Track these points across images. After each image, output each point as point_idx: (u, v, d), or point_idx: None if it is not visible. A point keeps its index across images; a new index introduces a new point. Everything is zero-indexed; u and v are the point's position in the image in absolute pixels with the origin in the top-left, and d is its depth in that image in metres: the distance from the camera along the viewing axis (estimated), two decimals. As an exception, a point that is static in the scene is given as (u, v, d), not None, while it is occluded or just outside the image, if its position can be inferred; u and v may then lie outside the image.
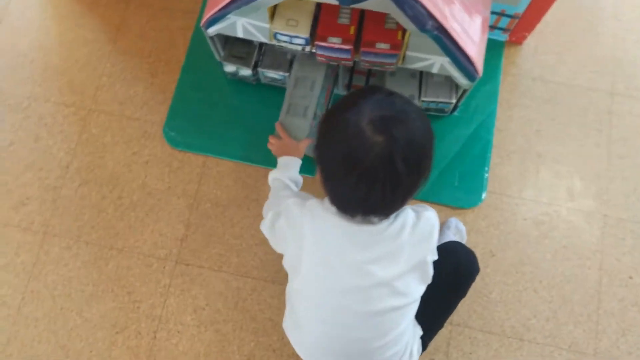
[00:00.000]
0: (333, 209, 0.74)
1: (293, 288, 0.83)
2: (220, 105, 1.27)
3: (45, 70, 1.32)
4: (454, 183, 1.21)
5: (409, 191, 0.69)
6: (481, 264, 0.97)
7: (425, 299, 0.82)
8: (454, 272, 0.90)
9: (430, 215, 0.78)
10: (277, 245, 0.86)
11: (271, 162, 1.22)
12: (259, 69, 1.19)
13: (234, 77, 1.25)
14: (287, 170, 1.00)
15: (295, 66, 1.15)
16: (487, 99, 1.28)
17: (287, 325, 0.92)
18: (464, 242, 1.16)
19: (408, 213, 0.76)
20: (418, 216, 0.76)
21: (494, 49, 1.28)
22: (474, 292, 1.13)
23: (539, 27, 1.25)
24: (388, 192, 0.67)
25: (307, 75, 1.13)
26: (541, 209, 1.21)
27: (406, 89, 1.15)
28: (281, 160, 1.02)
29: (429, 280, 0.79)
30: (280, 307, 1.14)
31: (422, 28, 0.88)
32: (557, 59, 1.31)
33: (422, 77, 1.16)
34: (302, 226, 0.76)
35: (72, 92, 1.30)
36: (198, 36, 1.32)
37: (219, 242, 1.19)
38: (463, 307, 1.13)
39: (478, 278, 0.97)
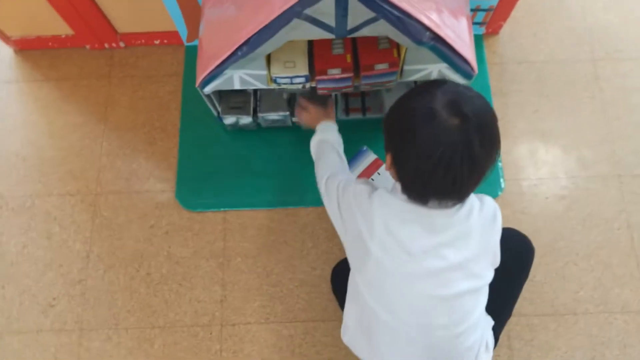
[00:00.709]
0: (403, 196, 0.75)
1: (361, 282, 0.81)
2: (225, 158, 1.26)
3: (41, 165, 1.28)
4: (469, 179, 1.23)
5: (483, 172, 0.71)
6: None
7: (491, 287, 0.82)
8: (512, 257, 0.90)
9: (490, 199, 0.81)
10: (337, 212, 0.85)
11: (290, 202, 1.22)
12: (259, 114, 1.19)
13: (234, 128, 1.24)
14: (328, 133, 1.03)
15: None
16: (480, 92, 1.30)
17: (351, 334, 0.89)
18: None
19: (472, 198, 0.78)
20: (481, 201, 0.79)
21: (474, 43, 1.31)
22: (517, 280, 1.14)
23: (511, 13, 1.29)
24: (466, 174, 0.69)
25: None
26: (559, 184, 1.24)
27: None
28: (319, 126, 1.05)
29: (497, 264, 0.81)
30: (336, 344, 1.12)
31: (419, 42, 0.90)
32: (535, 40, 1.36)
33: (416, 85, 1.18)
34: (372, 214, 0.77)
35: (74, 180, 1.26)
36: (188, 95, 1.31)
37: (258, 294, 1.17)
38: (515, 298, 1.14)
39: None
